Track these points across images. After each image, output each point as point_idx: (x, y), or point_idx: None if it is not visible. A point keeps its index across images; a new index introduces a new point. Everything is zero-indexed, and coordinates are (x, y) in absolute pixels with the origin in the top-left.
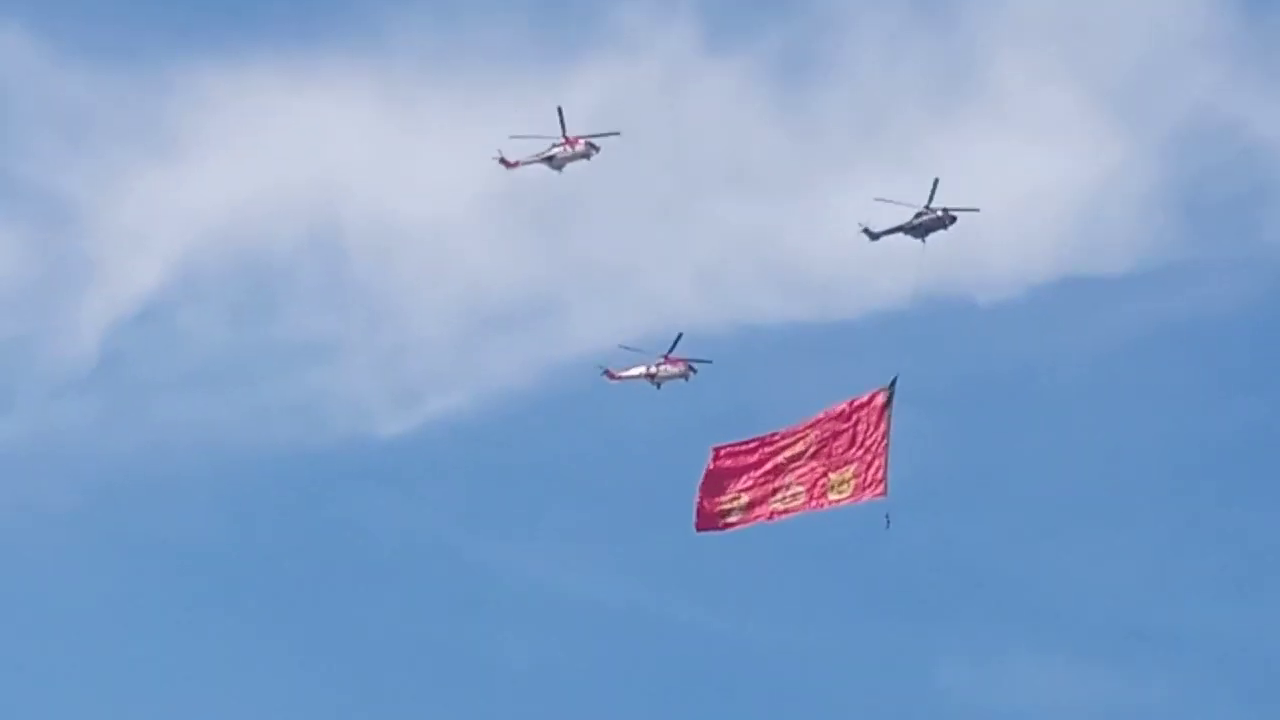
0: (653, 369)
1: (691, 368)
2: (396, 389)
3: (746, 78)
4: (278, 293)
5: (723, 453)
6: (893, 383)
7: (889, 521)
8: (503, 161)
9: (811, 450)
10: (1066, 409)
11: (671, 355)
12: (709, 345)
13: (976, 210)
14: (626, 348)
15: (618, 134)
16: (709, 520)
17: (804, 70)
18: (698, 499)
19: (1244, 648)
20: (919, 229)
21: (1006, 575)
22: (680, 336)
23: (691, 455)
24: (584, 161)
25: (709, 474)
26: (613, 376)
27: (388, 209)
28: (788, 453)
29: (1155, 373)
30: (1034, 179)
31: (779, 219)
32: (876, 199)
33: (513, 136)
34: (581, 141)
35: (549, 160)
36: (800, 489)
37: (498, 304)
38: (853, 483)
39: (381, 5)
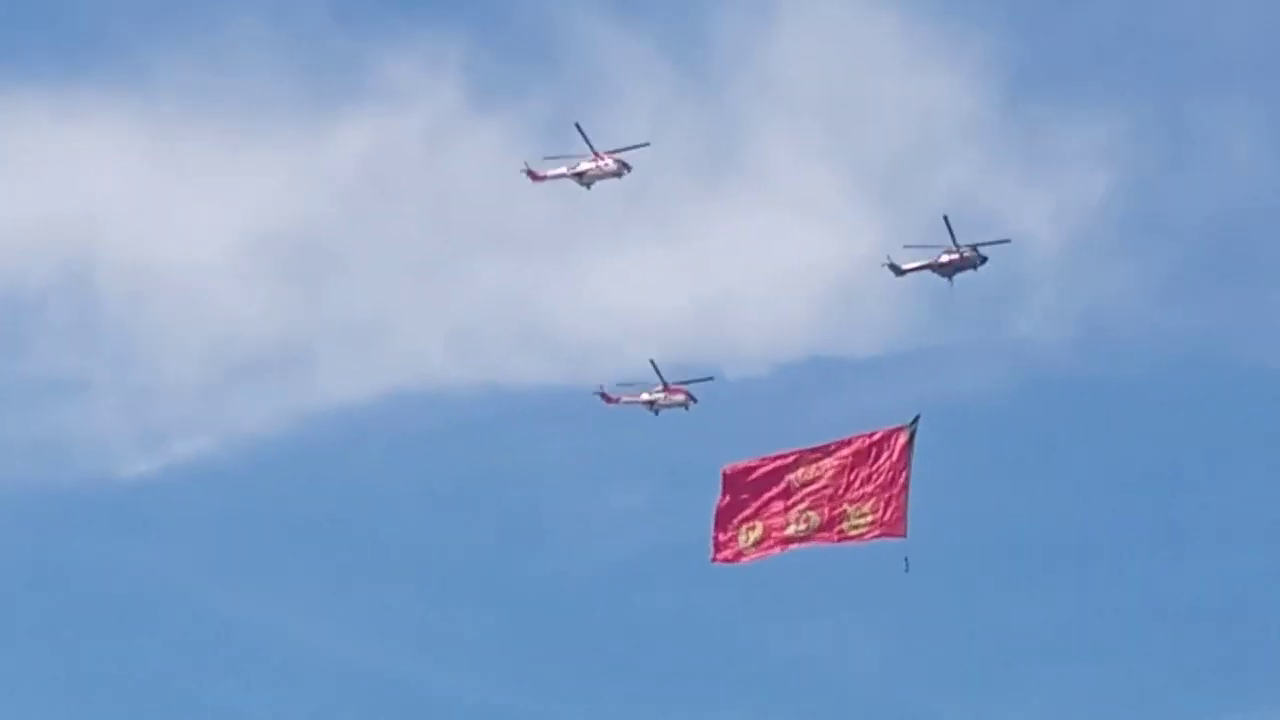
0: (653, 395)
1: (692, 397)
2: (143, 430)
3: (511, 138)
4: (27, 328)
5: (735, 474)
6: (915, 420)
7: (908, 565)
8: (530, 174)
9: (827, 479)
10: None
11: (673, 385)
12: (459, 406)
13: (1008, 241)
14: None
15: (648, 144)
16: (724, 550)
17: (570, 134)
18: (714, 526)
19: None
20: (947, 268)
21: (746, 648)
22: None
23: (436, 512)
24: (615, 180)
25: (722, 499)
26: (608, 400)
27: (144, 248)
28: (801, 474)
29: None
30: (793, 257)
31: (537, 283)
32: (906, 245)
33: (547, 158)
34: (612, 159)
35: (579, 176)
36: (816, 517)
37: (249, 351)
38: (870, 518)
39: (149, 41)
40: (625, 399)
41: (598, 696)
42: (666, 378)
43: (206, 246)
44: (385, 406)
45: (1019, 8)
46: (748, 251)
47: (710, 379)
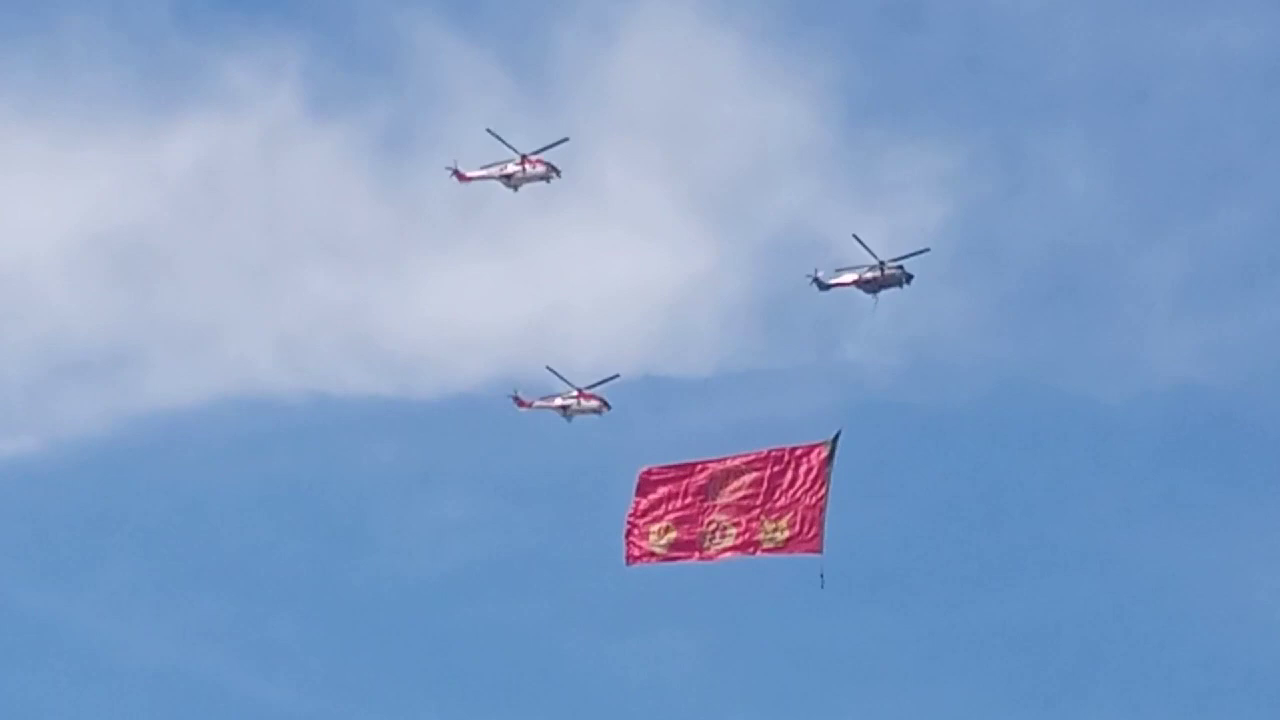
0: (567, 401)
1: (607, 404)
2: None
3: (348, 147)
4: None
5: (653, 476)
6: (836, 437)
7: (823, 580)
8: (456, 174)
9: (744, 491)
10: None
11: (588, 390)
12: (287, 413)
13: (927, 250)
14: (551, 369)
15: (567, 140)
16: (638, 553)
17: (406, 144)
18: (626, 528)
19: None
20: (871, 285)
21: (566, 663)
22: (616, 378)
23: (260, 518)
24: (542, 184)
25: (637, 500)
26: (521, 404)
27: None
28: (718, 484)
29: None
30: (626, 275)
31: (369, 293)
32: (838, 269)
33: (484, 166)
34: (540, 163)
35: (506, 178)
36: (733, 530)
37: (77, 351)
38: (787, 533)
39: None
40: (538, 404)
41: (415, 707)
42: (498, 390)
43: (38, 245)
44: (212, 411)
45: (859, 36)
46: (581, 267)
47: (616, 376)
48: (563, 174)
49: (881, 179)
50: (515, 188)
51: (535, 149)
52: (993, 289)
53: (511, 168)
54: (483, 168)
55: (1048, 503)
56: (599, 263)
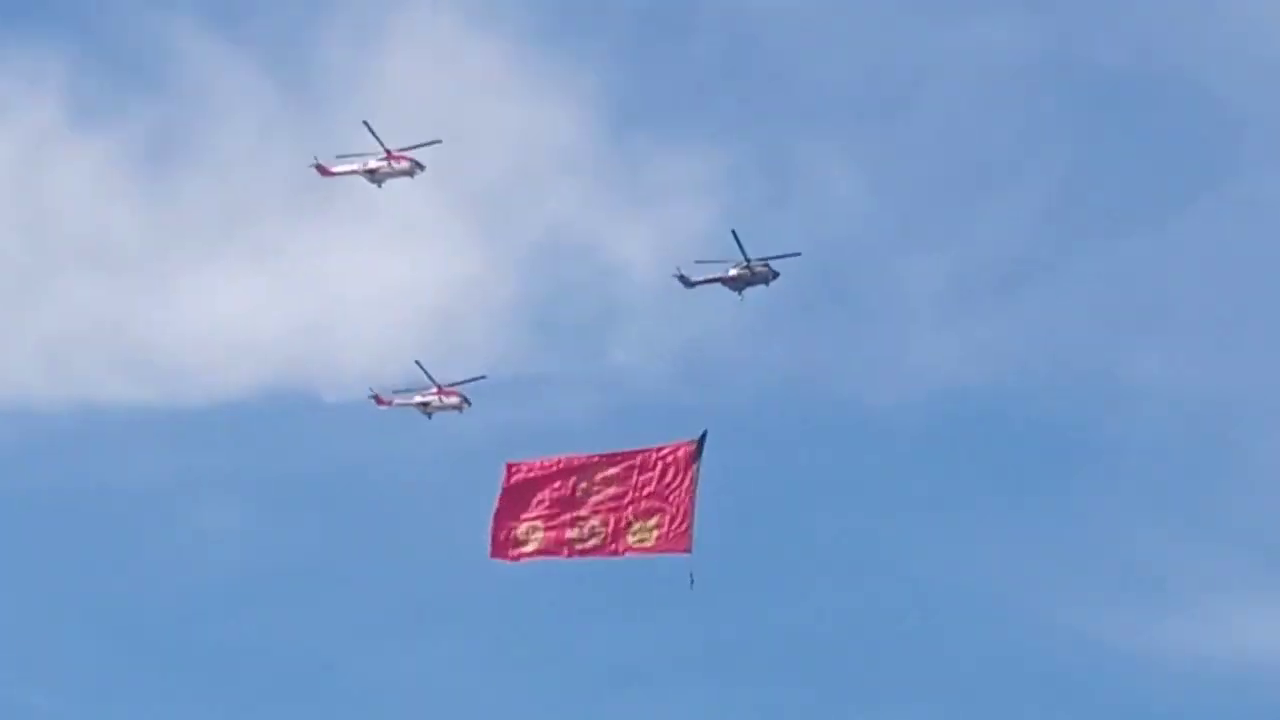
0: (427, 398)
1: (467, 400)
2: None
3: (112, 156)
4: None
5: (518, 471)
6: (702, 437)
7: (693, 580)
8: (319, 168)
9: (613, 489)
10: (406, 510)
11: (448, 387)
12: (50, 422)
13: (798, 254)
14: (419, 364)
15: (439, 141)
16: (502, 547)
17: (171, 154)
18: (492, 522)
19: None
20: (737, 282)
21: (338, 671)
22: (483, 378)
23: (23, 528)
24: (406, 179)
25: (503, 495)
26: (380, 402)
27: None
28: (587, 481)
29: (496, 481)
30: (395, 279)
31: (134, 302)
32: (698, 261)
33: (339, 156)
34: (405, 158)
35: (370, 174)
36: (601, 528)
37: None
38: (655, 533)
39: None
40: (398, 402)
41: (186, 717)
42: (264, 398)
43: None
44: None
45: (625, 41)
46: (350, 272)
47: (483, 377)
48: (324, 184)
49: (647, 184)
50: (379, 183)
51: (402, 146)
52: (759, 293)
53: (375, 163)
54: (343, 161)
55: (818, 505)
56: (368, 268)
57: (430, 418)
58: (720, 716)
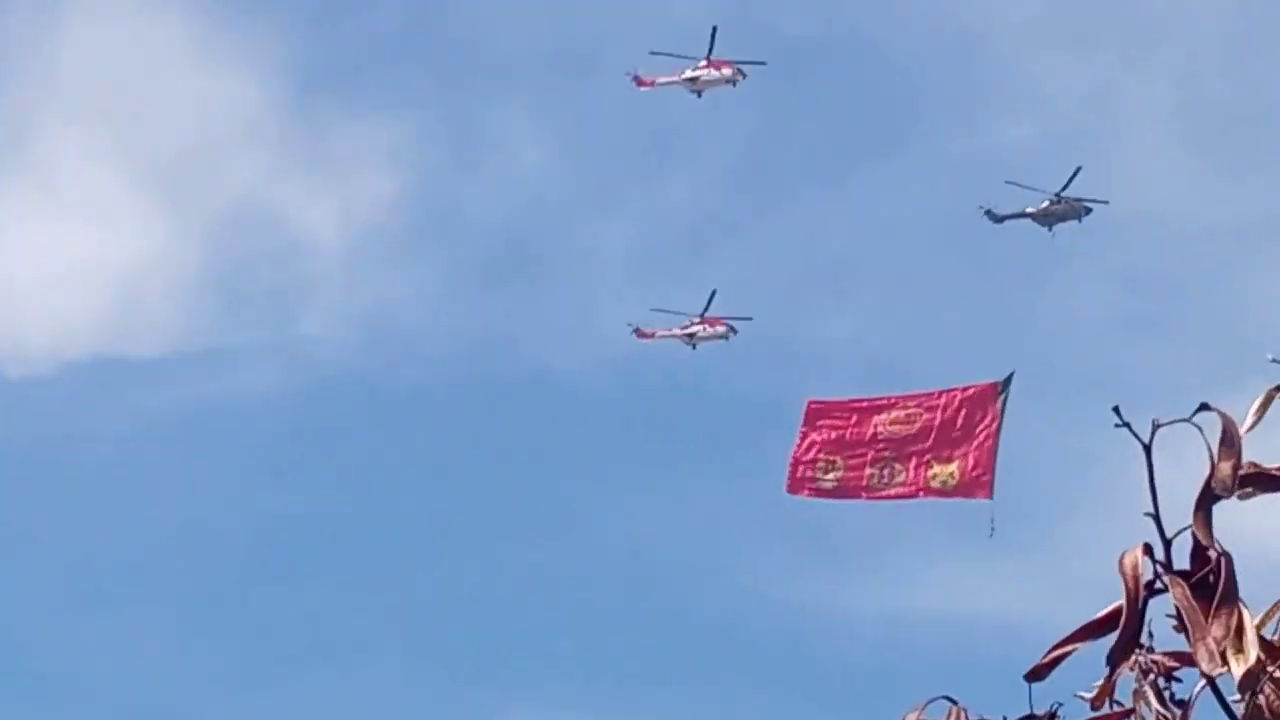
0: (691, 328)
1: (733, 328)
2: None
3: None
4: None
5: (817, 408)
6: (1008, 379)
7: (993, 529)
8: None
9: (915, 431)
10: (96, 487)
11: (709, 315)
12: None
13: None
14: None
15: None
16: (800, 483)
17: None
18: (792, 458)
19: None
20: (1048, 218)
21: (17, 650)
22: (714, 294)
23: None
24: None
25: (804, 432)
26: (642, 335)
27: None
28: (888, 421)
29: (185, 456)
30: (76, 255)
31: None
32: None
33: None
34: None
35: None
36: (902, 470)
37: None
38: (958, 478)
39: None
40: (659, 334)
41: None
42: None
43: None
44: None
45: (306, 9)
46: (29, 250)
47: (750, 318)
48: (4, 160)
49: (332, 153)
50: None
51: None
52: (448, 261)
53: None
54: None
55: (508, 470)
56: (47, 245)
57: (695, 349)
58: (411, 685)
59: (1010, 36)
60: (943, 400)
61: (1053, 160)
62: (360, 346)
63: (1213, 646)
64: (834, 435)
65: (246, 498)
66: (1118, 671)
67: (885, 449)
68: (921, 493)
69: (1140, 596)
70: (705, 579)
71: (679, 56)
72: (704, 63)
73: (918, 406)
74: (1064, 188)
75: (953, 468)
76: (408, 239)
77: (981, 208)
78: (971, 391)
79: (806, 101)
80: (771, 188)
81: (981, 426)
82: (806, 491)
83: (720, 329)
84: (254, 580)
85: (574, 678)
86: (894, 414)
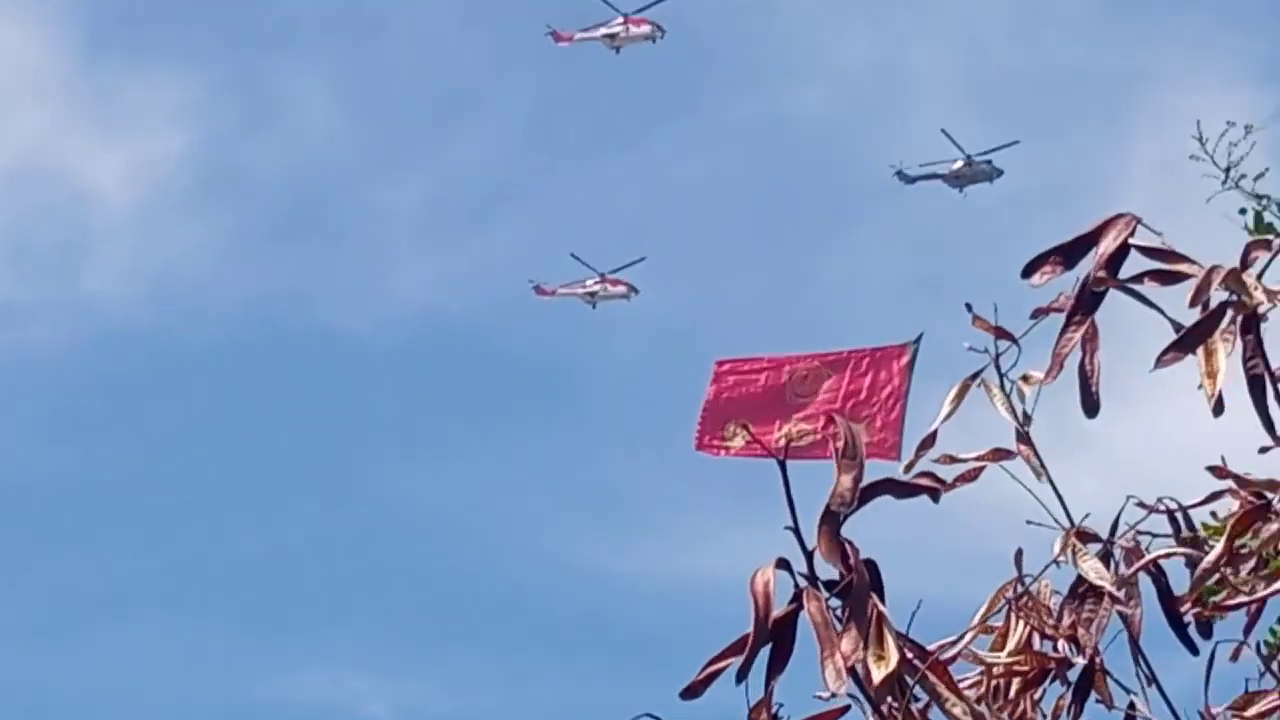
0: (593, 287)
1: (633, 288)
2: None
3: None
4: None
5: (726, 368)
6: (918, 339)
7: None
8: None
9: (825, 390)
10: None
11: (612, 275)
12: None
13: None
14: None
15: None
16: (709, 443)
17: None
18: (700, 416)
19: (51, 692)
20: (959, 179)
21: None
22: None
23: None
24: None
25: (712, 390)
26: (542, 291)
27: None
28: (796, 381)
29: None
30: None
31: None
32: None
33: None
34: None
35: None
36: (809, 428)
37: None
38: (867, 438)
39: None
40: (558, 291)
41: None
42: None
43: None
44: None
45: None
46: None
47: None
48: None
49: (119, 109)
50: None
51: None
52: (236, 219)
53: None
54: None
55: (297, 431)
56: None
57: (595, 308)
58: (200, 642)
59: (800, 2)
60: (851, 360)
61: (843, 126)
62: (147, 302)
63: (840, 664)
64: (741, 393)
65: (32, 453)
66: (771, 686)
67: (794, 408)
68: (831, 454)
69: (768, 615)
70: (498, 541)
71: None
72: (621, 20)
73: (827, 365)
74: (984, 153)
75: (860, 428)
76: (196, 196)
77: (893, 168)
78: (880, 353)
79: (597, 64)
80: (562, 151)
81: (889, 388)
82: (714, 450)
83: (621, 289)
84: (40, 536)
85: (366, 638)
86: (803, 372)
